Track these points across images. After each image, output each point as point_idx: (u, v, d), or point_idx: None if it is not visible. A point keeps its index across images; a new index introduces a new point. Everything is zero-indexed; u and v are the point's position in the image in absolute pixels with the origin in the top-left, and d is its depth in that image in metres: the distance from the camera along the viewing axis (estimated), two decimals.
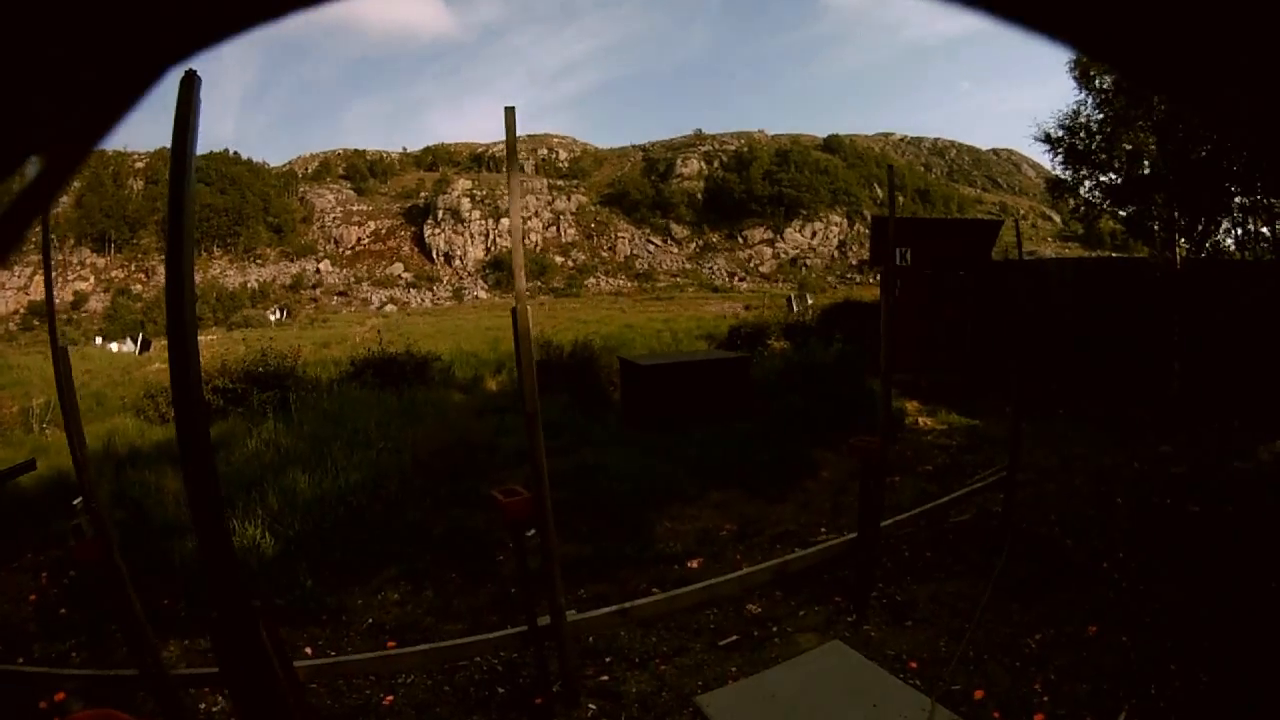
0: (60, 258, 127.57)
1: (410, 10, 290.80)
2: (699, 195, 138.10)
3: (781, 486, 9.65)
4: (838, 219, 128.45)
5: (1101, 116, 16.80)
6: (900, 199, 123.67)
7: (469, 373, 22.99)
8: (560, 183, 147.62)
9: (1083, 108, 17.07)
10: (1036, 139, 18.02)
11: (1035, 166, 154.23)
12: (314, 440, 11.12)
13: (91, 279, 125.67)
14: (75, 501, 4.75)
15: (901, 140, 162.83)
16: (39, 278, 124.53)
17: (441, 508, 9.25)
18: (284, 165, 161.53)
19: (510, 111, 4.74)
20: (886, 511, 7.34)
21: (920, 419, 13.74)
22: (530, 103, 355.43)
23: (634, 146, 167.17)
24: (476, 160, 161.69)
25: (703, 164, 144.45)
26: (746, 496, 9.45)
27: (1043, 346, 14.92)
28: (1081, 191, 18.01)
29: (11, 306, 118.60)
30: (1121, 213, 17.48)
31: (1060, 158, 17.73)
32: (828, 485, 9.80)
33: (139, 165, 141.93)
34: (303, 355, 20.51)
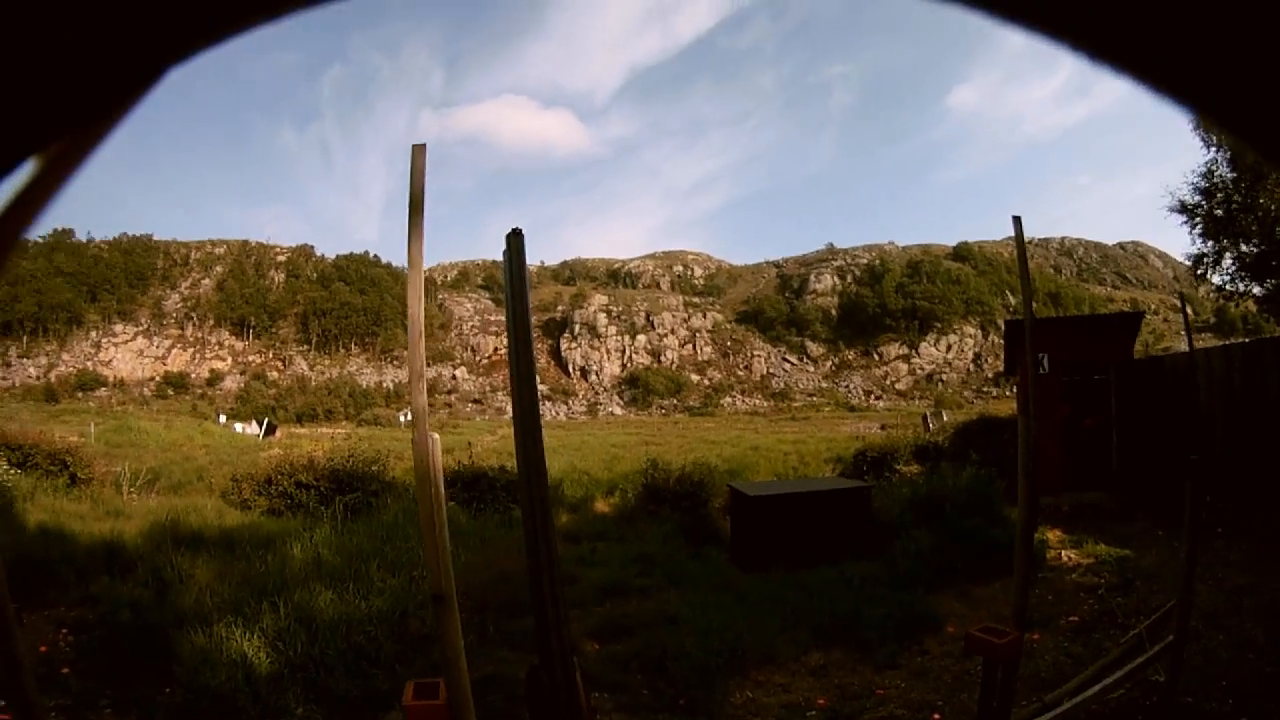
0: (200, 336, 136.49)
1: (546, 126, 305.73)
2: (833, 311, 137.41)
3: (895, 647, 8.15)
4: (971, 330, 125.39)
5: (1235, 175, 15.20)
6: (1032, 304, 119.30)
7: (579, 492, 22.24)
8: (696, 300, 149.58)
9: (1214, 167, 15.54)
10: (1172, 209, 16.52)
11: (1162, 257, 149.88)
12: (357, 554, 10.32)
13: (229, 359, 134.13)
14: None
15: (1030, 243, 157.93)
16: (177, 350, 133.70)
17: (487, 647, 8.25)
18: (424, 272, 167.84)
19: (419, 149, 4.06)
20: (1020, 690, 5.86)
21: (1064, 552, 11.97)
22: (666, 220, 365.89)
23: (768, 262, 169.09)
24: (613, 276, 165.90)
25: (836, 279, 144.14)
26: (852, 659, 8.01)
27: (1194, 451, 12.95)
28: (1224, 263, 16.30)
29: (148, 373, 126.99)
30: (1257, 290, 15.69)
31: (1198, 228, 16.16)
32: (952, 646, 8.24)
33: (280, 259, 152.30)
34: (397, 460, 20.02)
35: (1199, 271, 17.59)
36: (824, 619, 8.94)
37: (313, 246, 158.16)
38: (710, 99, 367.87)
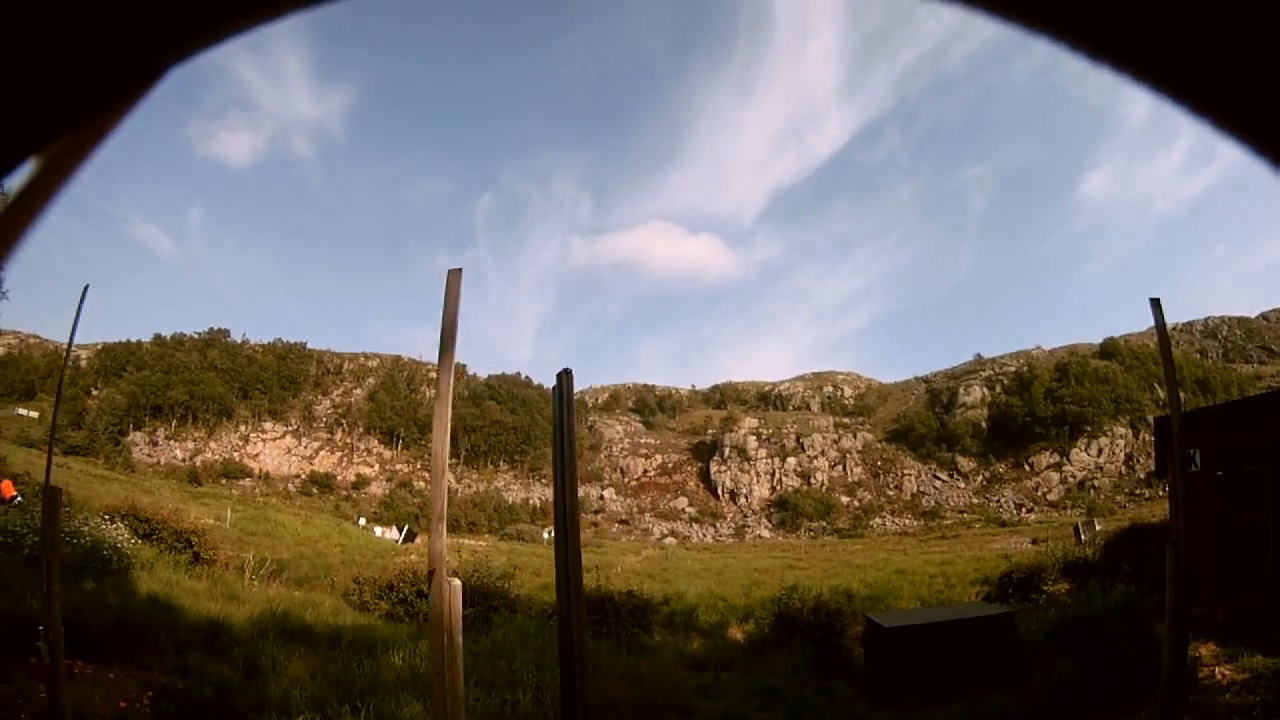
0: (349, 441, 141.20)
1: (693, 250, 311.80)
2: (983, 424, 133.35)
3: None
4: (1122, 430, 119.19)
5: None
6: (1181, 394, 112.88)
7: (714, 618, 21.86)
8: (846, 420, 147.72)
9: None
10: None
11: None
12: None
13: (376, 466, 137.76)
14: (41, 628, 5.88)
15: (1173, 329, 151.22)
16: (325, 452, 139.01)
17: None
18: (575, 394, 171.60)
19: (455, 274, 4.07)
20: None
21: (1216, 669, 10.97)
22: (815, 340, 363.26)
23: (917, 379, 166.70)
24: (763, 398, 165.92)
25: (984, 390, 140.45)
26: None
27: None
28: None
29: (295, 470, 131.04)
30: None
31: None
32: None
33: (432, 375, 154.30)
34: (534, 575, 20.19)
35: None
36: None
37: (465, 365, 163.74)
38: (850, 215, 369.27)
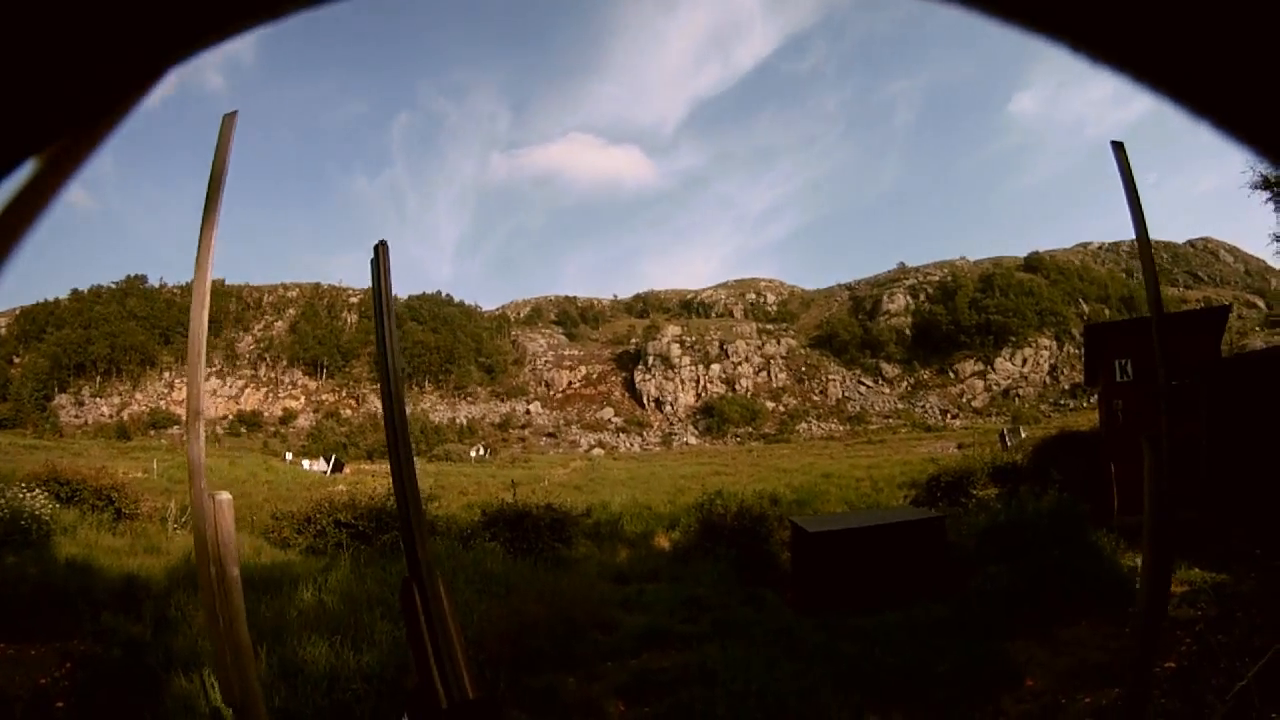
0: (273, 376, 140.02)
1: (614, 162, 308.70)
2: (907, 331, 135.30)
3: (966, 706, 7.07)
4: (1046, 342, 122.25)
5: None
6: (1106, 311, 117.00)
7: (639, 527, 21.54)
8: (770, 327, 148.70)
9: None
10: (1254, 186, 15.03)
11: (1233, 251, 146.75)
12: (367, 601, 9.71)
13: (302, 399, 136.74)
14: None
15: (1100, 248, 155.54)
16: (250, 390, 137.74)
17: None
18: (497, 309, 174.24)
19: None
20: None
21: None
22: (738, 249, 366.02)
23: (840, 286, 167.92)
24: (686, 306, 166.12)
25: (909, 298, 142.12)
26: None
27: None
28: None
29: (222, 412, 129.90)
30: None
31: None
32: (1032, 704, 7.12)
33: (353, 300, 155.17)
34: (460, 494, 19.55)
35: None
36: (885, 674, 7.89)
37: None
38: (775, 126, 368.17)
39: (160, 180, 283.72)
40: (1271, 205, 15.41)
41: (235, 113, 2.93)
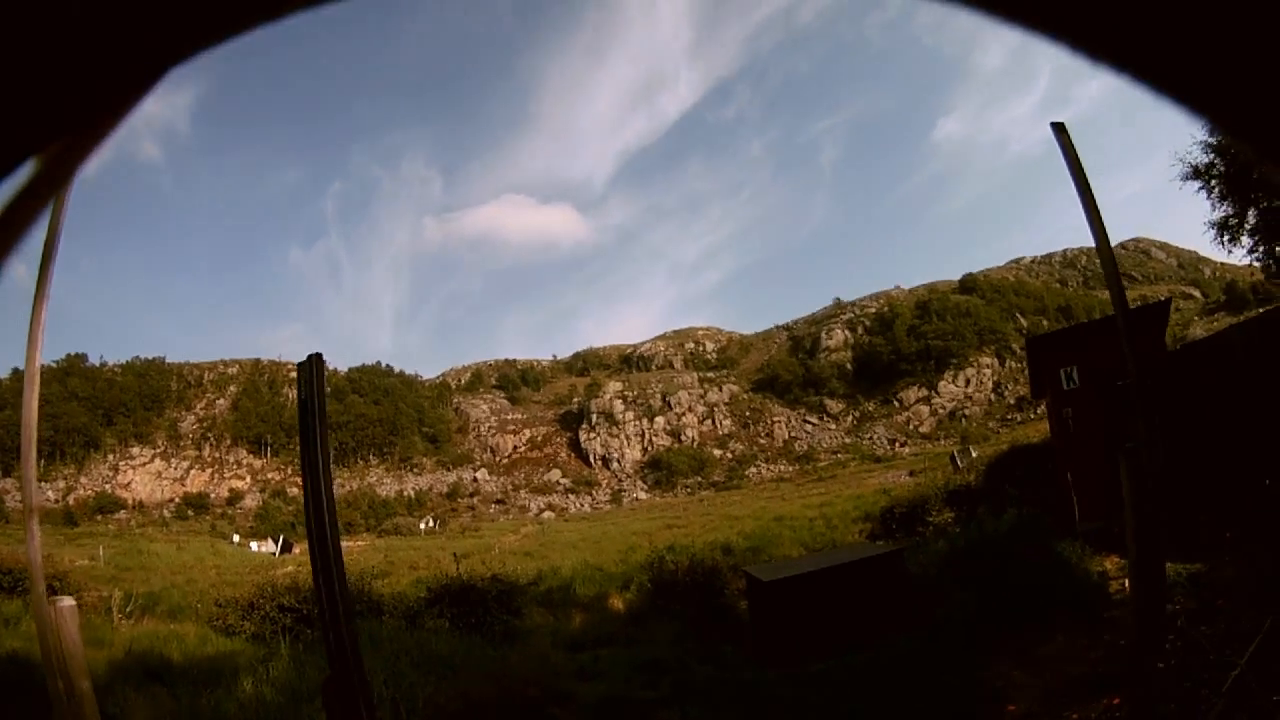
0: (217, 456, 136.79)
1: (548, 221, 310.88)
2: (848, 365, 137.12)
3: None
4: (988, 360, 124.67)
5: None
6: (1044, 323, 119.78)
7: (592, 590, 20.83)
8: (711, 374, 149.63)
9: None
10: (1184, 177, 15.14)
11: (1164, 248, 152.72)
12: (307, 691, 9.06)
13: (248, 478, 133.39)
14: None
15: (1033, 262, 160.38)
16: (195, 470, 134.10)
17: None
18: (438, 377, 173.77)
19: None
20: None
21: (1126, 581, 10.20)
22: (674, 300, 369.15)
23: (778, 327, 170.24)
24: (626, 361, 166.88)
25: (846, 333, 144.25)
26: None
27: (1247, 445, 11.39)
28: (1248, 222, 14.95)
29: (168, 494, 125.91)
30: None
31: (1216, 190, 14.80)
32: None
33: (294, 375, 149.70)
34: (411, 569, 18.78)
35: (1224, 238, 16.17)
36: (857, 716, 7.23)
37: (326, 360, 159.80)
38: (703, 174, 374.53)
39: (97, 253, 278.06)
40: (1204, 194, 15.47)
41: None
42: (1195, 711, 5.47)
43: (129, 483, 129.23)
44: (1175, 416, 13.26)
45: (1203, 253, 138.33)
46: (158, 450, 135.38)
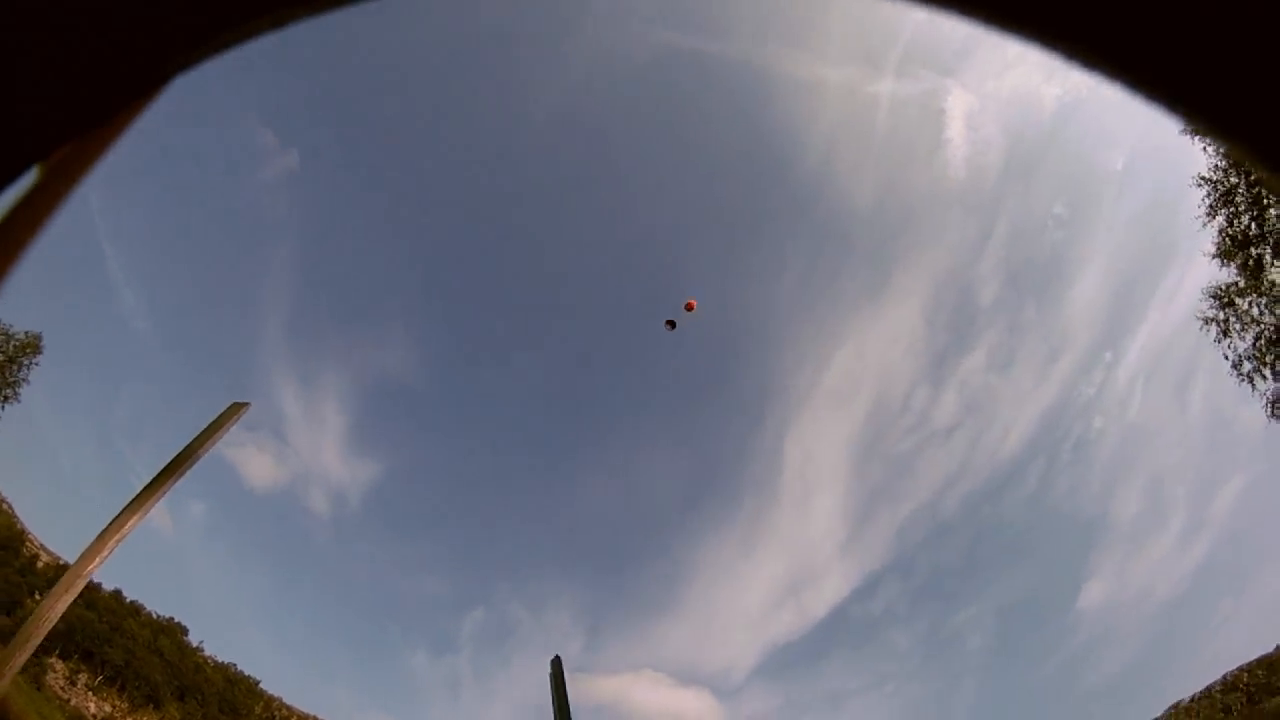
0: None
1: (680, 702, 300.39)
2: None
3: None
4: None
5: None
6: None
7: None
8: None
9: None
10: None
11: None
12: None
13: None
14: None
15: (1192, 701, 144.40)
16: None
17: None
18: None
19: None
20: None
21: None
22: None
23: None
24: None
25: None
26: None
27: None
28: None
29: None
30: None
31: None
32: None
33: None
34: None
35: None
36: None
37: None
38: (846, 669, 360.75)
39: (234, 546, 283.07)
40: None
41: None
42: None
43: None
44: None
45: None
46: None
